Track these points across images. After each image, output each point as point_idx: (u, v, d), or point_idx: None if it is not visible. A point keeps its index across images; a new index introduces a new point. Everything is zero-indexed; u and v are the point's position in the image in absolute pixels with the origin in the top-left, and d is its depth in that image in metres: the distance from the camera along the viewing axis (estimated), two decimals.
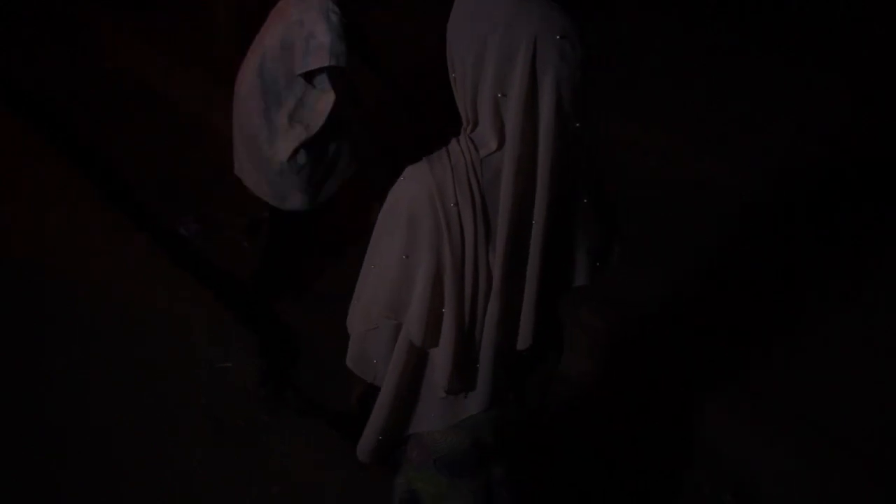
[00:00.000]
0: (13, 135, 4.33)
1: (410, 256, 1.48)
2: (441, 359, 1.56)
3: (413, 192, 1.44)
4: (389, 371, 1.61)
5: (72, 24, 5.59)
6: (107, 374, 3.04)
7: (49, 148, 4.24)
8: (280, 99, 2.95)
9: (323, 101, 2.94)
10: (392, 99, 3.45)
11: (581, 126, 1.38)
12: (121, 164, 4.33)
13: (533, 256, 1.45)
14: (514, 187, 1.39)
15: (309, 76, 2.88)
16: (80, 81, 5.00)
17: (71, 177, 4.03)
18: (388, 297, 1.55)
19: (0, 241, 3.66)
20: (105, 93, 4.90)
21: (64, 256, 3.55)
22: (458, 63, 1.38)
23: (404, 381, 1.62)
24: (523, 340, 1.54)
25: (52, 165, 4.10)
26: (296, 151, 3.00)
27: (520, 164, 1.37)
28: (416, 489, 1.84)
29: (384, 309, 1.57)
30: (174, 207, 3.99)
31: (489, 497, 1.82)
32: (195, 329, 3.21)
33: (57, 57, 5.18)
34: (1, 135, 4.33)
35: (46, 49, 5.28)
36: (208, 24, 5.00)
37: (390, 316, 1.57)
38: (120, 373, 3.04)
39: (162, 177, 4.21)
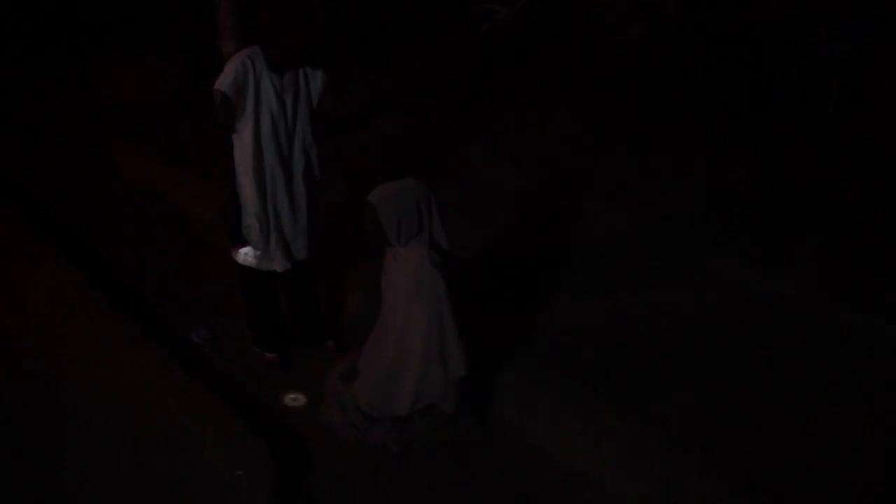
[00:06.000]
0: (30, 246, 4.45)
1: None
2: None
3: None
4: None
5: (88, 140, 5.79)
6: (117, 483, 3.03)
7: (65, 259, 4.34)
8: None
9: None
10: None
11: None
12: (134, 275, 4.43)
13: None
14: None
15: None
16: (96, 194, 5.15)
17: (86, 287, 4.10)
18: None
19: (15, 351, 3.71)
20: (120, 205, 5.05)
21: (76, 366, 3.58)
22: (385, 217, 2.98)
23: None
24: None
25: (67, 276, 4.19)
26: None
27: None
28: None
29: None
30: (186, 316, 4.05)
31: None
32: (206, 438, 3.21)
33: (73, 171, 5.35)
34: (19, 246, 4.45)
35: (63, 163, 5.45)
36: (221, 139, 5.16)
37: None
38: (131, 482, 3.03)
39: (175, 286, 4.30)
